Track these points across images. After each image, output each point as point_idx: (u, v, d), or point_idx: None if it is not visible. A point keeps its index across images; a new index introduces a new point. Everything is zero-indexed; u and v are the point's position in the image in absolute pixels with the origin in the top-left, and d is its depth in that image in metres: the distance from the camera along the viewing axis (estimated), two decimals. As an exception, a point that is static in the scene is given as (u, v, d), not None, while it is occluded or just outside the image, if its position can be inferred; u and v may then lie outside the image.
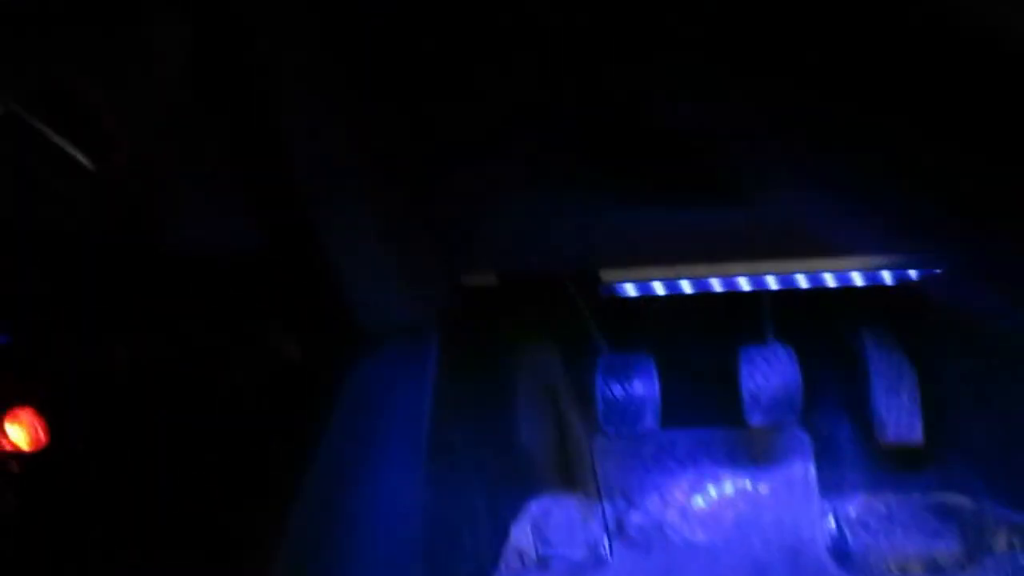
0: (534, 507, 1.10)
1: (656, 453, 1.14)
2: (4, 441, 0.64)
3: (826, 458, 1.10)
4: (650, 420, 0.98)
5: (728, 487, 1.11)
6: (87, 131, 0.42)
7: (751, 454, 1.12)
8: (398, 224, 0.61)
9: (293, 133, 0.47)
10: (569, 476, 1.12)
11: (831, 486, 1.10)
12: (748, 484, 1.11)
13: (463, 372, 0.89)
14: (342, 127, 0.49)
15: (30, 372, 0.63)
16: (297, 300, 0.65)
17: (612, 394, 0.98)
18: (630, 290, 0.79)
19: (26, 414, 0.64)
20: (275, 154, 0.47)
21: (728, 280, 0.81)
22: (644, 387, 0.98)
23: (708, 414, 1.10)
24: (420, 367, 0.77)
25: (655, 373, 0.98)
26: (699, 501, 1.11)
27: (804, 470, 1.09)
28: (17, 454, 0.64)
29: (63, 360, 0.63)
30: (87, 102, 0.42)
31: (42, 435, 0.64)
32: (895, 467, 1.09)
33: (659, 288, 0.78)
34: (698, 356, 1.07)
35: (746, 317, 1.06)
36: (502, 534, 1.08)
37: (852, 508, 1.09)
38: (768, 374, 1.03)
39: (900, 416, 1.06)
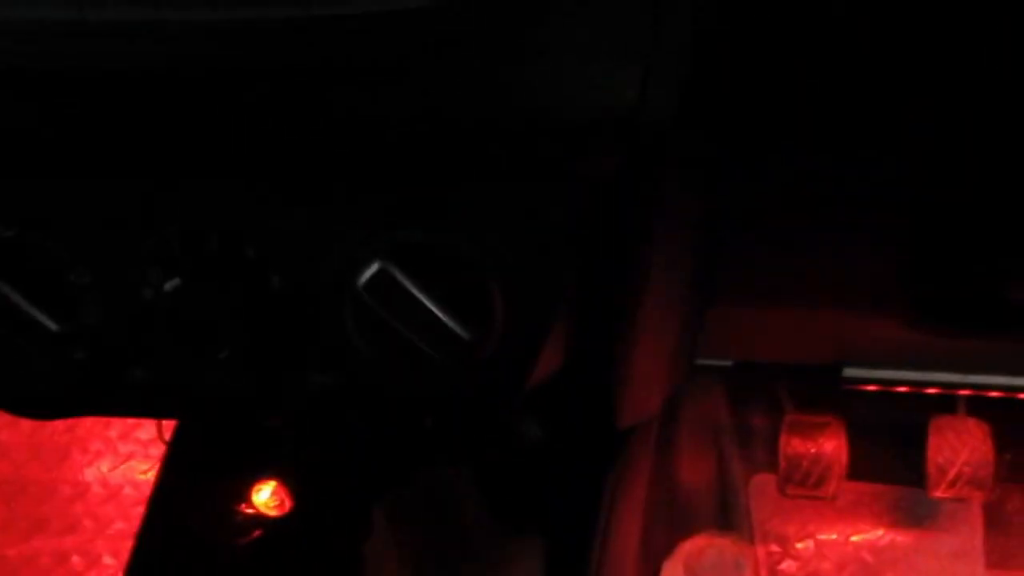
0: (688, 544, 1.09)
1: (815, 502, 1.13)
2: (250, 508, 0.64)
3: (997, 530, 1.08)
4: (834, 485, 0.96)
5: (888, 546, 1.10)
6: (461, 295, 0.39)
7: (916, 515, 1.10)
8: (681, 334, 0.59)
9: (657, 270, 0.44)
10: (725, 519, 1.11)
11: (998, 559, 1.08)
12: (910, 546, 1.09)
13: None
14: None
15: (278, 450, 0.63)
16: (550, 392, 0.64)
17: (797, 455, 0.96)
18: (870, 387, 0.76)
19: (272, 485, 0.64)
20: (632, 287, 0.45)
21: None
22: (832, 450, 0.95)
23: (882, 476, 1.08)
24: (645, 442, 0.76)
25: (844, 437, 0.96)
26: (856, 556, 1.10)
27: (971, 539, 1.07)
28: (262, 520, 0.64)
29: (308, 439, 0.63)
30: (467, 265, 0.39)
31: (287, 503, 0.64)
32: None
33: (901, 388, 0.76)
34: (882, 418, 1.04)
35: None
36: (653, 568, 1.08)
37: (1018, 584, 1.07)
38: (958, 448, 1.00)
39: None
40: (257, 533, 0.64)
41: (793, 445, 0.95)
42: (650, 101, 0.36)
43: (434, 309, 0.40)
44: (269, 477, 0.64)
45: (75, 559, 1.11)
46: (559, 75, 0.35)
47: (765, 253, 0.58)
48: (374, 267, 0.40)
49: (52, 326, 0.42)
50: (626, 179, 0.40)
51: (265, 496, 0.64)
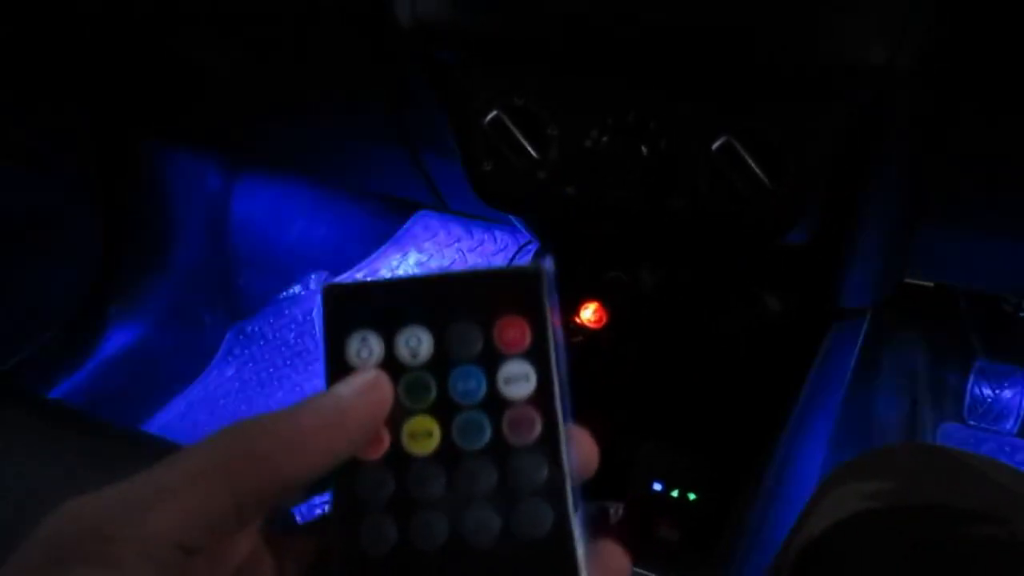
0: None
1: (994, 453, 1.36)
2: (578, 319, 1.01)
3: None
4: (1011, 424, 1.20)
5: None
6: (769, 161, 0.73)
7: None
8: (893, 241, 0.88)
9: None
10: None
11: None
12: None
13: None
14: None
15: (598, 280, 1.00)
16: (791, 274, 0.96)
17: (982, 394, 1.21)
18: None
19: (594, 304, 1.01)
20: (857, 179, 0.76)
21: None
22: (1013, 396, 1.20)
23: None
24: (854, 342, 1.05)
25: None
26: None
27: None
28: (583, 329, 1.01)
29: (621, 277, 0.99)
30: (774, 145, 0.73)
31: (603, 318, 1.00)
32: None
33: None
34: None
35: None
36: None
37: None
38: None
39: None
40: (580, 339, 1.02)
41: (980, 386, 1.20)
42: (897, 58, 0.67)
43: (753, 166, 0.73)
44: (593, 300, 1.01)
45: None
46: (840, 41, 0.68)
47: (967, 186, 0.85)
48: (723, 139, 0.74)
49: (534, 154, 0.80)
50: (875, 112, 0.71)
51: (589, 313, 1.01)
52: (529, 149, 0.79)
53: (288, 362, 1.65)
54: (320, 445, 0.28)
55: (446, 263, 1.61)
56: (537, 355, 0.30)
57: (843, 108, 0.72)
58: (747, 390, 1.02)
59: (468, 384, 0.30)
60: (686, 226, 0.78)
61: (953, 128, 0.78)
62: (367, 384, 0.29)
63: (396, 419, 0.30)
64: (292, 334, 1.66)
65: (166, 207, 1.58)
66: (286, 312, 1.67)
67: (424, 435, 0.30)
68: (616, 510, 0.96)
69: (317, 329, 1.66)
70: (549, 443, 0.29)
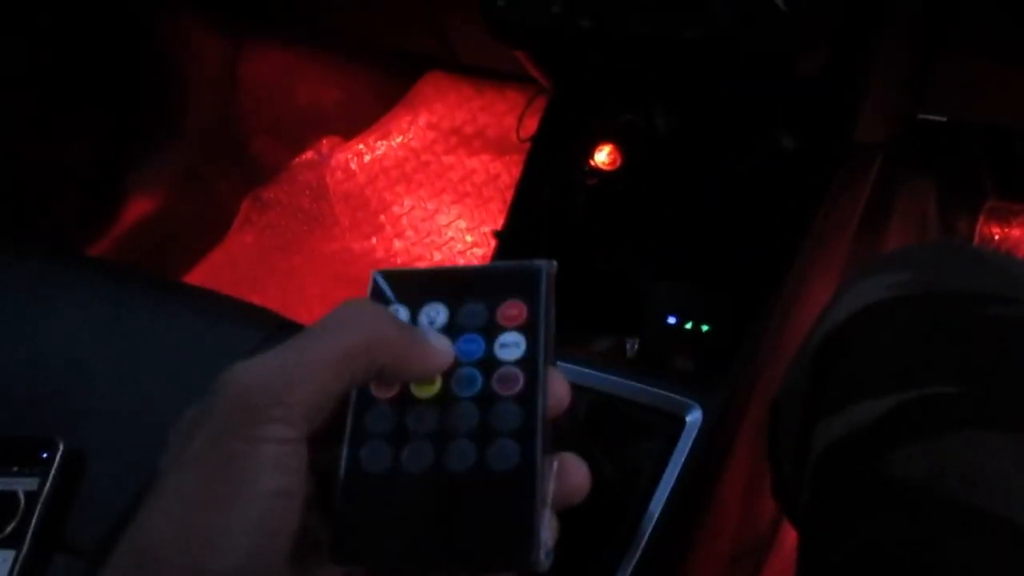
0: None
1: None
2: (592, 162, 1.03)
3: None
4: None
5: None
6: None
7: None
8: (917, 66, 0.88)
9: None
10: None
11: None
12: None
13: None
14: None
15: (613, 125, 1.00)
16: (806, 111, 0.97)
17: (990, 233, 1.23)
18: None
19: (608, 146, 1.02)
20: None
21: None
22: (1022, 235, 1.22)
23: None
24: (865, 181, 1.06)
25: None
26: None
27: None
28: (597, 172, 1.03)
29: (635, 120, 1.00)
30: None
31: (617, 159, 1.02)
32: None
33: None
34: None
35: None
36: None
37: None
38: None
39: None
40: (594, 181, 1.04)
41: (989, 225, 1.23)
42: None
43: None
44: (607, 142, 1.02)
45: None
46: None
47: (984, 14, 0.85)
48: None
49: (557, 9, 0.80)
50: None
51: (603, 156, 1.03)
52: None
53: (305, 227, 1.68)
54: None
55: (457, 123, 1.62)
56: (529, 330, 0.36)
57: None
58: (759, 229, 1.05)
59: (470, 347, 0.36)
60: (701, 56, 0.79)
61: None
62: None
63: None
64: (307, 199, 1.69)
65: (175, 74, 1.58)
66: (300, 178, 1.69)
67: (428, 383, 0.36)
68: (632, 345, 1.00)
69: (331, 195, 1.68)
70: (528, 397, 0.35)
